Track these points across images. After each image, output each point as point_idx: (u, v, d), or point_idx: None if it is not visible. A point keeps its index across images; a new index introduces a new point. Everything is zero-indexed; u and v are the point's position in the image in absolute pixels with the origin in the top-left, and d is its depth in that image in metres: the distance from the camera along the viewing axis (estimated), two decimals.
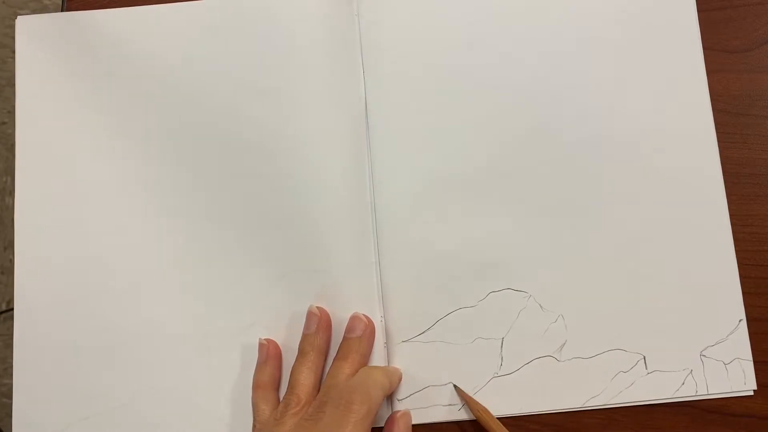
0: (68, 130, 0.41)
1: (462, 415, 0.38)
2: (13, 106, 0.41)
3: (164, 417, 0.38)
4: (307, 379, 0.36)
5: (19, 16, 0.42)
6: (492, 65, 0.40)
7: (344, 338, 0.37)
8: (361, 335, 0.37)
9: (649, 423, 0.37)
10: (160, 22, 0.41)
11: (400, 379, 0.38)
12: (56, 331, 0.39)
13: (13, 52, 0.41)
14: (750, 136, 0.40)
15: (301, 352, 0.37)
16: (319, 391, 0.36)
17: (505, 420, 0.37)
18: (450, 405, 0.38)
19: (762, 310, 0.38)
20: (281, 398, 0.37)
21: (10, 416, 0.38)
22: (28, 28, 0.41)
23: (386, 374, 0.36)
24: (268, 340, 0.38)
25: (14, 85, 0.41)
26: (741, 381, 0.37)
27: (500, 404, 0.37)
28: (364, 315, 0.38)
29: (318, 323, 0.37)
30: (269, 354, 0.38)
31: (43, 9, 1.07)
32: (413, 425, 0.37)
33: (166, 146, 0.40)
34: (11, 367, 0.39)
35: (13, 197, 0.88)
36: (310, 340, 0.37)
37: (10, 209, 1.03)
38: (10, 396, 0.49)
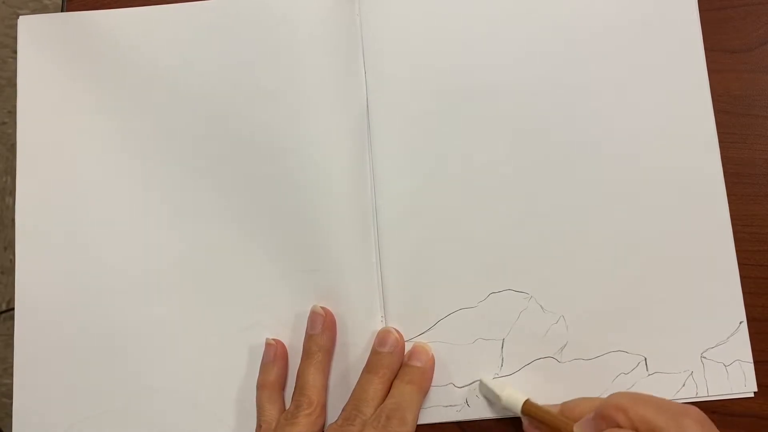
0: (69, 130, 0.41)
1: (462, 415, 0.37)
2: (14, 106, 0.41)
3: (165, 417, 0.38)
4: (316, 380, 0.36)
5: (21, 16, 0.42)
6: (493, 66, 0.40)
7: (374, 351, 0.37)
8: (392, 351, 0.37)
9: None
10: (161, 22, 0.41)
11: (431, 380, 0.38)
12: (56, 331, 0.39)
13: (13, 52, 0.41)
14: (750, 136, 0.40)
15: (307, 352, 0.37)
16: (327, 391, 0.36)
17: (505, 421, 0.37)
18: (450, 405, 0.38)
19: (762, 310, 0.38)
20: (286, 399, 0.37)
21: (10, 416, 0.38)
22: (30, 28, 0.41)
23: (422, 391, 0.36)
24: (276, 340, 0.38)
25: (15, 85, 0.41)
26: (741, 383, 0.37)
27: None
28: (395, 329, 0.37)
29: (323, 323, 0.37)
30: (277, 354, 0.38)
31: (43, 9, 1.07)
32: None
33: (167, 146, 0.40)
34: (11, 367, 0.39)
35: (13, 197, 0.88)
36: (316, 340, 0.37)
37: (10, 209, 1.03)
38: (10, 396, 0.49)
